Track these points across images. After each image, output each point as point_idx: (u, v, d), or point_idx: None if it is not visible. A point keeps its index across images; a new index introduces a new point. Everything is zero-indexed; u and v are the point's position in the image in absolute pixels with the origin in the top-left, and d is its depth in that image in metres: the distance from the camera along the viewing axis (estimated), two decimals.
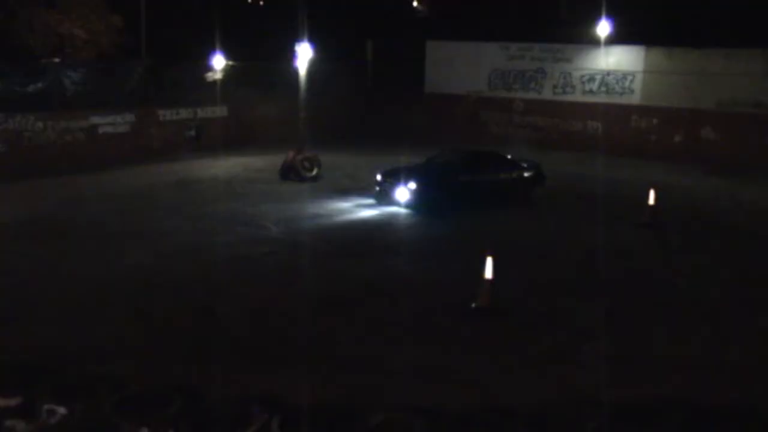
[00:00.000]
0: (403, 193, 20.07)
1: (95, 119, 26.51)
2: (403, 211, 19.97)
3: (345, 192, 22.16)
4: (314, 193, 22.14)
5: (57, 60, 27.13)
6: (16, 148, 24.27)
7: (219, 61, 28.84)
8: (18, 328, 11.68)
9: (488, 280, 12.86)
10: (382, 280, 14.57)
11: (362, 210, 20.30)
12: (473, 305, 12.91)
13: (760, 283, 14.88)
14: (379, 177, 20.88)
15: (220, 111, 29.83)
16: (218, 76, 29.18)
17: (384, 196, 20.57)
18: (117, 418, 6.41)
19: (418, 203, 19.99)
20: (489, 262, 12.82)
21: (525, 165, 21.95)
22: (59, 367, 7.37)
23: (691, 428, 8.46)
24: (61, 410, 6.55)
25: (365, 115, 33.28)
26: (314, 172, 23.88)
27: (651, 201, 19.34)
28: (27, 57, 26.79)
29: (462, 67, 33.80)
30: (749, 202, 22.77)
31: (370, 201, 20.93)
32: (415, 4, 42.04)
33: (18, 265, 14.86)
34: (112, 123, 26.97)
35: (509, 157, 22.09)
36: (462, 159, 21.51)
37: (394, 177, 20.50)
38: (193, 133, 28.94)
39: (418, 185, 20.00)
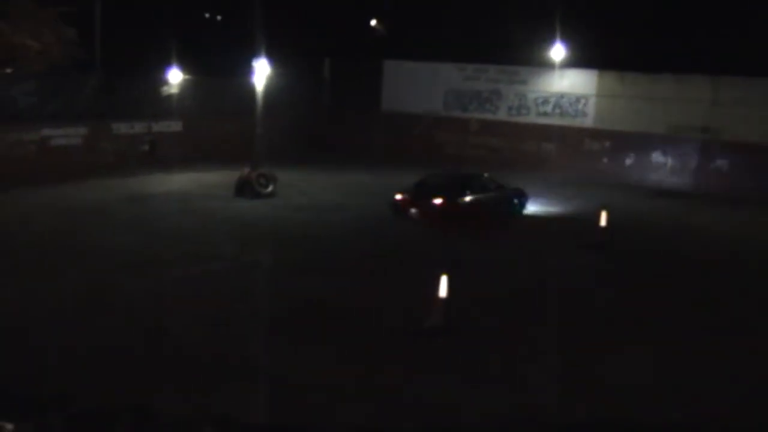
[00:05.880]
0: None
1: (47, 131, 26.23)
2: None
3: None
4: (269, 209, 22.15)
5: (8, 71, 26.77)
6: None
7: (175, 75, 28.71)
8: None
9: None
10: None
11: None
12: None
13: None
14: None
15: (175, 125, 29.64)
16: (174, 90, 29.06)
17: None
18: None
19: None
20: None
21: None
22: (9, 386, 7.26)
23: None
24: (9, 427, 6.45)
25: (322, 134, 33.33)
26: (269, 189, 23.81)
27: (602, 222, 19.50)
28: None
29: (418, 86, 34.01)
30: (697, 224, 23.10)
31: None
32: (373, 23, 42.18)
33: None
34: (64, 135, 26.68)
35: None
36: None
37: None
38: (147, 147, 28.74)
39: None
